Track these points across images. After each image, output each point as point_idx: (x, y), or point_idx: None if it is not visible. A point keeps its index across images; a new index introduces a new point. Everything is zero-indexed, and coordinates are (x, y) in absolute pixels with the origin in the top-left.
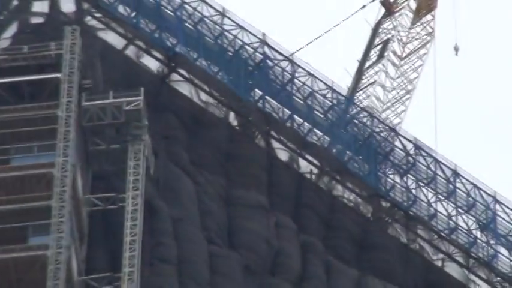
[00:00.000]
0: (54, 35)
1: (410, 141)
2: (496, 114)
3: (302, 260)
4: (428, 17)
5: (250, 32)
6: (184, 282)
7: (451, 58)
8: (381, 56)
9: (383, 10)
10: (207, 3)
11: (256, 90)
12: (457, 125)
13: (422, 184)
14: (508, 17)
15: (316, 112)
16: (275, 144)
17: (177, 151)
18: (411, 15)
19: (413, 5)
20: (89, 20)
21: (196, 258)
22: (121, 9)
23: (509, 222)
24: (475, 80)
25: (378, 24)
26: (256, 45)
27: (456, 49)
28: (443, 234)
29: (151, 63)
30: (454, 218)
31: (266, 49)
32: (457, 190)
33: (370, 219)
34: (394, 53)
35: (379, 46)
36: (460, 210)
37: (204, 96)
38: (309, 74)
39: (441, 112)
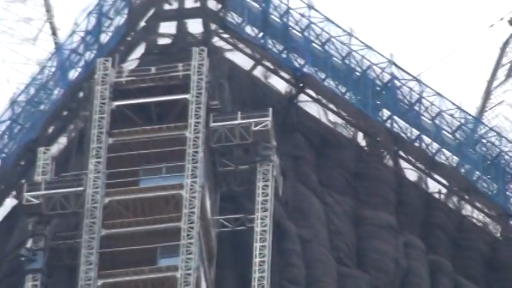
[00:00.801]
0: (181, 56)
1: None
2: None
3: (431, 279)
4: None
5: (377, 52)
6: None
7: None
8: (509, 75)
9: (511, 29)
10: (334, 23)
11: (384, 110)
12: None
13: None
14: None
15: (445, 132)
16: (403, 164)
17: (305, 172)
18: None
19: None
20: (216, 41)
21: (325, 279)
22: (248, 29)
23: None
24: None
25: (506, 43)
26: (383, 65)
27: None
28: None
29: (279, 83)
30: None
31: (394, 69)
32: None
33: (499, 239)
34: None
35: (508, 65)
36: None
37: (332, 117)
38: (437, 93)
39: None
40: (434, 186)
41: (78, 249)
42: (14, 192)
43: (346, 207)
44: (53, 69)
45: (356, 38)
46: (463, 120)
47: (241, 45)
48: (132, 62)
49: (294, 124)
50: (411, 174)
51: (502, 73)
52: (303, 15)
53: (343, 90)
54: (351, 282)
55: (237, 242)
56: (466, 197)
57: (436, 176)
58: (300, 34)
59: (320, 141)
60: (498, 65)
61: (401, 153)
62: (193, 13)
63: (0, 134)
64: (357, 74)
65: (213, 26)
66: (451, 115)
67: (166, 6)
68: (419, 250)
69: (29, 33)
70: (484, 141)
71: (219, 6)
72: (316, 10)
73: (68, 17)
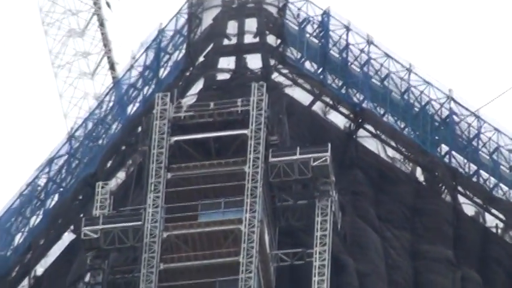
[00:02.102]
0: (240, 92)
1: None
2: None
3: None
4: None
5: (436, 88)
6: None
7: None
8: None
9: None
10: (393, 58)
11: (443, 145)
12: None
13: None
14: None
15: (502, 167)
16: (461, 199)
17: (364, 207)
18: None
19: None
20: (276, 77)
21: None
22: (308, 65)
23: None
24: None
25: None
26: (442, 100)
27: None
28: None
29: (338, 119)
30: None
31: (452, 104)
32: None
33: None
34: None
35: None
36: None
37: (390, 152)
38: (495, 129)
39: None
40: (491, 221)
41: (137, 283)
42: (72, 227)
43: (404, 242)
44: (111, 104)
45: (415, 73)
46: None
47: (300, 81)
48: (190, 97)
49: (353, 159)
50: (469, 209)
51: None
52: (362, 51)
53: (402, 125)
54: None
55: (296, 276)
56: None
57: (494, 211)
58: (359, 69)
59: (379, 177)
60: None
61: (459, 188)
62: (252, 48)
63: (58, 168)
64: (416, 109)
65: (272, 62)
66: (509, 150)
67: (226, 42)
68: (476, 284)
69: (87, 68)
70: None
71: (279, 41)
72: (375, 45)
73: (126, 52)
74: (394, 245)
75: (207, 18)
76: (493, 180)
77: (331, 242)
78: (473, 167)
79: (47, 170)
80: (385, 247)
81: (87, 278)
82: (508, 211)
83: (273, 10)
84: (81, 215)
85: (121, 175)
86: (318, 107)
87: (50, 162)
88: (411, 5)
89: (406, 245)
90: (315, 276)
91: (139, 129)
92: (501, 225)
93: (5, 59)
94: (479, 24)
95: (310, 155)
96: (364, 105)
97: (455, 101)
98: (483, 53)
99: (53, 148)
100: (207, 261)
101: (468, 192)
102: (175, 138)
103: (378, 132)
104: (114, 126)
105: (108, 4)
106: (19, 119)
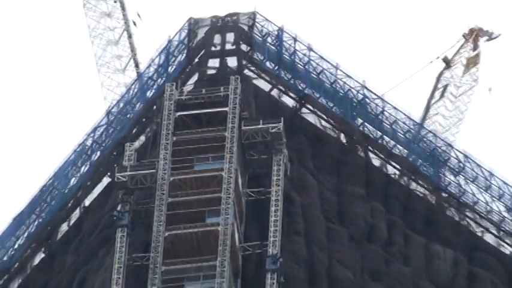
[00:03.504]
0: (223, 82)
1: (461, 152)
2: None
3: (388, 232)
4: (474, 69)
5: (354, 79)
6: (310, 247)
7: (487, 96)
8: (442, 96)
9: (444, 64)
10: (326, 60)
11: (359, 119)
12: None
13: (469, 181)
14: None
15: (399, 133)
16: (371, 155)
17: (305, 159)
18: (462, 68)
19: (464, 61)
20: (246, 72)
21: (318, 230)
22: (268, 64)
23: None
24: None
25: (440, 74)
26: (358, 88)
27: (489, 89)
28: (482, 215)
29: (288, 100)
30: (490, 204)
31: (365, 91)
32: (492, 185)
33: (434, 205)
34: (451, 93)
35: (441, 89)
36: (494, 198)
37: (323, 123)
38: (394, 107)
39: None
40: (391, 169)
41: (152, 212)
42: (109, 173)
43: (332, 184)
44: (136, 90)
45: (340, 69)
46: (411, 126)
47: (263, 75)
48: (189, 85)
49: (298, 128)
50: (376, 162)
51: (437, 94)
52: (304, 55)
53: (331, 105)
54: (335, 234)
55: (259, 207)
56: (413, 177)
57: (393, 163)
58: (302, 67)
59: (315, 140)
60: (435, 88)
61: (369, 147)
62: (231, 53)
63: (100, 133)
64: (341, 94)
65: (244, 62)
66: (403, 122)
67: (213, 48)
68: (381, 212)
69: (120, 66)
70: (424, 139)
71: (248, 48)
72: (313, 51)
73: (146, 55)
74: (326, 185)
75: (201, 33)
76: (392, 142)
77: (283, 184)
78: (379, 133)
79: (92, 134)
80: (319, 187)
81: (119, 208)
82: (402, 164)
83: (245, 27)
84: (115, 165)
85: (142, 138)
86: (275, 92)
87: (94, 129)
88: (335, 20)
89: (333, 186)
90: (272, 206)
91: (155, 107)
92: (398, 173)
93: (63, 61)
94: (384, 29)
95: (269, 125)
96: (306, 91)
97: (367, 88)
98: (388, 52)
99: (96, 120)
100: (200, 196)
101: (376, 150)
102: (179, 113)
103: (315, 109)
104: (137, 105)
105: (134, 23)
106: (75, 102)
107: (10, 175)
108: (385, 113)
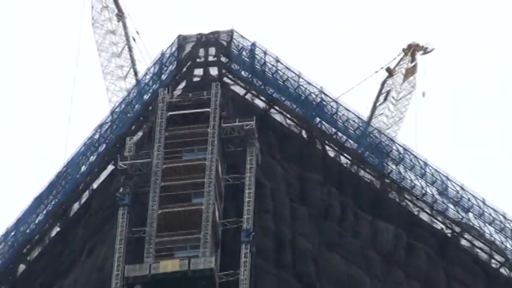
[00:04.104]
0: (206, 88)
1: (401, 145)
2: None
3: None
4: (411, 77)
5: (313, 85)
6: (277, 223)
7: (422, 99)
8: (385, 99)
9: (387, 74)
10: (290, 69)
11: (317, 118)
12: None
13: (407, 169)
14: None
15: (350, 130)
16: (327, 148)
17: (273, 151)
18: (402, 76)
19: (404, 71)
20: (225, 79)
21: (283, 209)
22: (243, 73)
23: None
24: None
25: (384, 81)
26: (317, 93)
27: (423, 94)
28: (418, 197)
29: (259, 102)
30: (425, 188)
31: (322, 95)
32: (426, 173)
33: (380, 189)
34: (393, 97)
35: (384, 94)
36: (428, 183)
37: (288, 121)
38: (346, 109)
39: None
40: (344, 160)
41: (148, 193)
42: (113, 162)
43: (295, 172)
44: (135, 94)
45: (302, 77)
46: (360, 124)
47: (239, 82)
48: (178, 90)
49: (268, 125)
50: (331, 153)
51: (382, 98)
52: (273, 65)
53: (295, 106)
54: (297, 212)
55: (235, 190)
56: (361, 166)
57: (345, 154)
58: (271, 76)
59: (282, 135)
60: (379, 93)
61: (326, 141)
62: (212, 63)
63: (105, 129)
64: (302, 98)
65: (224, 71)
66: (354, 121)
67: (198, 60)
68: (336, 195)
69: (121, 74)
70: (371, 135)
71: (227, 60)
72: (280, 62)
73: (143, 65)
74: (290, 173)
75: (188, 47)
76: (344, 137)
77: (255, 171)
78: (334, 130)
79: (99, 130)
80: (285, 174)
81: (120, 190)
82: (353, 155)
83: (224, 43)
84: (118, 155)
85: (140, 133)
86: (248, 96)
87: (100, 126)
88: (299, 37)
89: (296, 173)
90: (246, 189)
91: (150, 108)
92: (349, 162)
93: (77, 70)
94: (339, 44)
95: (244, 123)
96: (274, 95)
97: (324, 93)
98: (341, 63)
99: (102, 118)
100: (187, 181)
101: (331, 144)
102: (170, 113)
103: (282, 110)
104: (136, 106)
105: (133, 39)
106: (85, 103)
107: (31, 164)
108: (338, 113)
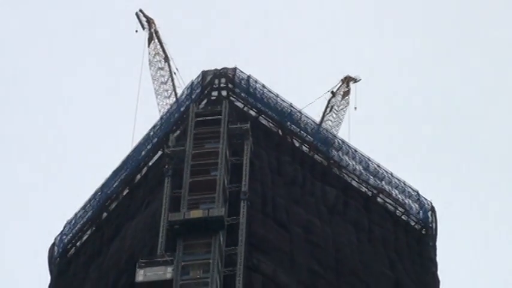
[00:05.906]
0: (219, 103)
1: (340, 139)
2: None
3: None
4: (347, 97)
5: (285, 102)
6: (263, 186)
7: (353, 111)
8: (330, 110)
9: (331, 95)
10: (272, 92)
11: (288, 122)
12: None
13: (344, 154)
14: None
15: (308, 129)
16: (294, 141)
17: (260, 143)
18: (341, 96)
19: (342, 93)
20: (232, 99)
21: (267, 178)
22: (242, 94)
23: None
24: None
25: (330, 99)
26: (288, 107)
27: (355, 108)
28: (350, 171)
29: (252, 112)
30: (351, 164)
31: (292, 108)
32: (356, 156)
33: (327, 166)
34: (335, 109)
35: (330, 107)
36: (361, 165)
37: (270, 124)
38: (306, 116)
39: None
40: (305, 148)
41: (183, 169)
42: (161, 149)
43: (274, 155)
44: (175, 107)
45: (280, 97)
46: (314, 125)
47: (240, 100)
48: (202, 105)
49: (257, 127)
50: (297, 143)
51: (328, 110)
52: (260, 89)
53: (274, 115)
54: (276, 179)
55: (237, 167)
56: (316, 152)
57: (305, 145)
58: (259, 96)
59: (266, 133)
60: (326, 107)
61: (294, 137)
62: (223, 88)
63: (156, 129)
64: (279, 109)
65: (230, 93)
66: (311, 123)
67: (214, 86)
68: (298, 169)
69: (167, 94)
70: (321, 132)
71: (232, 86)
72: (266, 87)
73: (180, 90)
74: (271, 156)
75: (208, 78)
76: (305, 133)
77: (249, 156)
78: (298, 129)
79: (153, 129)
80: (268, 157)
81: (166, 166)
82: (310, 145)
83: (231, 75)
84: (164, 145)
85: (178, 131)
86: (246, 109)
87: (154, 127)
88: (278, 70)
89: (275, 156)
90: (243, 166)
91: (184, 116)
92: (308, 149)
93: (140, 94)
94: (303, 75)
95: (242, 125)
96: (261, 108)
97: (292, 107)
98: (304, 88)
99: (154, 122)
100: (207, 161)
101: (297, 138)
102: (197, 119)
103: (266, 117)
104: (176, 115)
105: (174, 73)
106: (143, 115)
107: (113, 151)
108: (302, 118)
